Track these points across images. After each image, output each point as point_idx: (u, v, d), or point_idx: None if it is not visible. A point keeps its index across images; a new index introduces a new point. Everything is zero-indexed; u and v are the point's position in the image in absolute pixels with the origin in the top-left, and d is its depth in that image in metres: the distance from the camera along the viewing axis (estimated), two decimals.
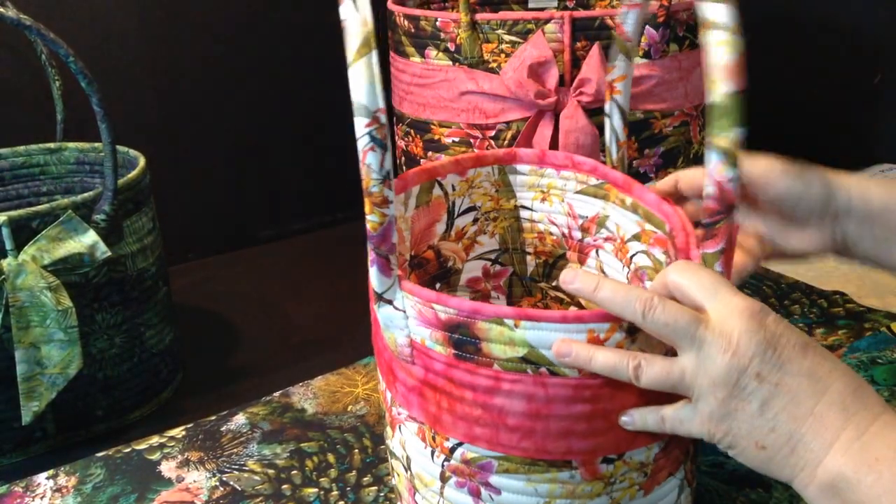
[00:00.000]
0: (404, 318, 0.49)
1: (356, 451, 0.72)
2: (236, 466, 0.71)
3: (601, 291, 0.46)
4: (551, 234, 0.71)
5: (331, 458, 0.71)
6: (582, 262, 0.70)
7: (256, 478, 0.69)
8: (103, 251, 0.71)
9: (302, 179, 1.26)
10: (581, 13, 0.86)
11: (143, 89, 1.09)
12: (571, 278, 0.48)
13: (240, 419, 0.77)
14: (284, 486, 0.68)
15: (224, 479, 0.69)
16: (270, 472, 0.70)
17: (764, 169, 0.61)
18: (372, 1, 0.46)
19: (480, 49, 0.88)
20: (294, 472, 0.70)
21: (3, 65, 0.98)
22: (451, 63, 0.90)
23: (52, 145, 0.88)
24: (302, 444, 0.73)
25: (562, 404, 0.47)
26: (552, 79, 0.86)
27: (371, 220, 0.47)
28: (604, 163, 0.67)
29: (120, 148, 0.81)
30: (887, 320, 0.87)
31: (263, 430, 0.75)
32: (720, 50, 0.45)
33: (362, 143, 0.45)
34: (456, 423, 0.50)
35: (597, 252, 0.68)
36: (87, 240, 0.70)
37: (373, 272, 0.48)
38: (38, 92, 0.93)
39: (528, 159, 0.70)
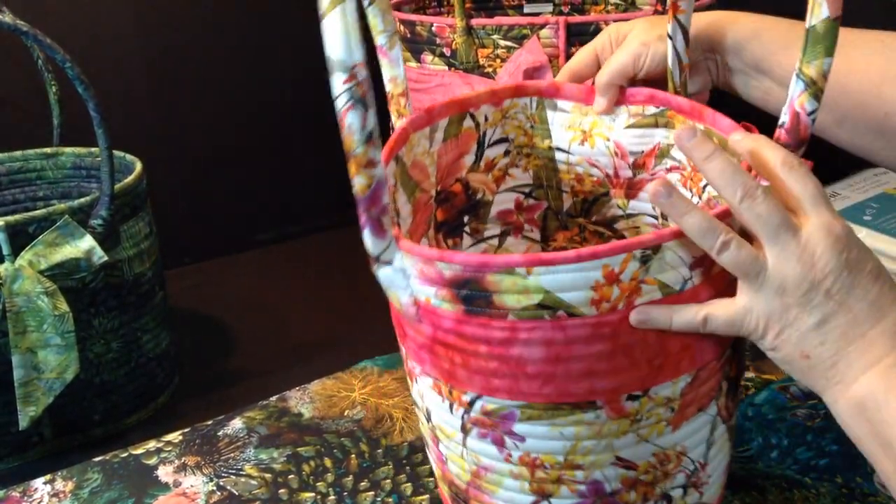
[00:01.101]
0: (405, 277, 0.47)
1: (353, 455, 0.72)
2: (233, 471, 0.71)
3: (711, 162, 0.46)
4: (591, 175, 0.66)
5: (328, 462, 0.71)
6: (631, 197, 0.66)
7: (253, 482, 0.69)
8: (100, 256, 0.71)
9: (299, 183, 1.26)
10: (576, 18, 0.86)
11: (140, 94, 1.09)
12: (689, 136, 0.47)
13: (237, 423, 0.77)
14: (281, 491, 0.68)
15: (221, 483, 0.69)
16: (267, 476, 0.70)
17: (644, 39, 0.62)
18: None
19: (476, 54, 0.89)
20: (291, 476, 0.70)
21: None
22: (446, 68, 0.91)
23: (48, 150, 0.88)
24: (299, 449, 0.73)
25: (581, 345, 0.46)
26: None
27: (358, 182, 0.43)
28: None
29: (116, 153, 0.81)
30: None
31: (260, 435, 0.75)
32: None
33: (340, 101, 0.41)
34: (472, 378, 0.48)
35: None
36: (83, 245, 0.71)
37: (366, 235, 0.45)
38: (35, 97, 0.93)
39: (573, 95, 0.65)
